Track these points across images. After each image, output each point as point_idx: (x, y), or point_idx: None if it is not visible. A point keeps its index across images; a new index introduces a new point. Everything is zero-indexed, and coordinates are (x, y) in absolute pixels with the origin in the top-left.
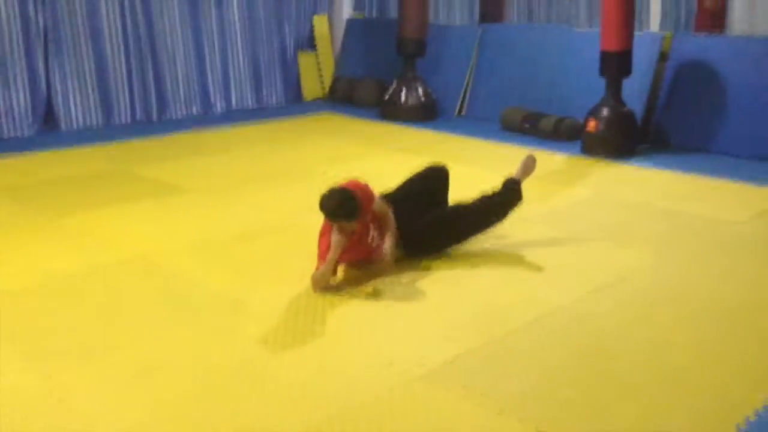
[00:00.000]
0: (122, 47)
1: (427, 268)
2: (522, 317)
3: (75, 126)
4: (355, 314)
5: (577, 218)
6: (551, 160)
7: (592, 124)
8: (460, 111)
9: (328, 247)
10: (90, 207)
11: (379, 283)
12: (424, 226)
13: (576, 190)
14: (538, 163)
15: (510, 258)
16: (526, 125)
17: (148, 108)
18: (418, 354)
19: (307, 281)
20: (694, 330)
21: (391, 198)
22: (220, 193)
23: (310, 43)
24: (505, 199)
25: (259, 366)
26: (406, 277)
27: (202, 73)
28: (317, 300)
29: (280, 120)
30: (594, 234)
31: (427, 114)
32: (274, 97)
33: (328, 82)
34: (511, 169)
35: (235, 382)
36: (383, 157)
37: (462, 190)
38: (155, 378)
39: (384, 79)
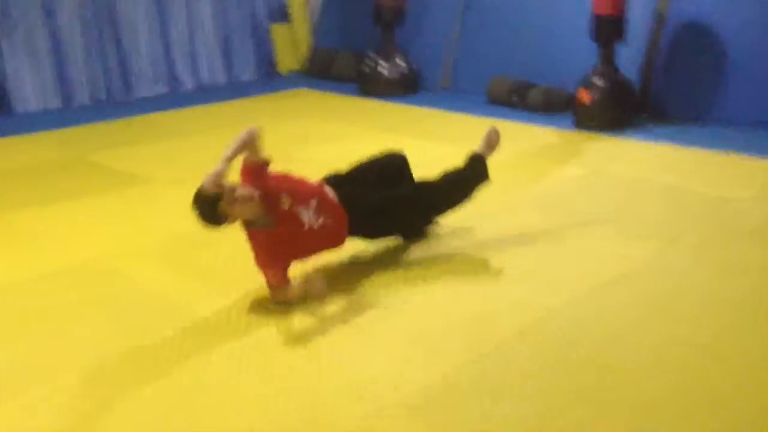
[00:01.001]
0: (79, 22)
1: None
2: (513, 326)
3: (30, 109)
4: (322, 326)
5: (571, 201)
6: (541, 136)
7: (584, 95)
8: (444, 83)
9: (272, 253)
10: (39, 202)
11: (345, 285)
12: (377, 202)
13: (569, 168)
14: (527, 138)
15: (495, 252)
16: (514, 98)
17: (110, 88)
18: (395, 375)
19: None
20: (709, 331)
21: (337, 179)
22: (184, 184)
23: (283, 14)
24: (468, 174)
25: (218, 386)
26: (374, 280)
27: (167, 49)
28: (282, 311)
29: (252, 98)
30: (589, 220)
31: (408, 87)
32: (246, 72)
33: (304, 54)
34: (500, 149)
35: (191, 403)
36: (361, 137)
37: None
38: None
39: (363, 51)
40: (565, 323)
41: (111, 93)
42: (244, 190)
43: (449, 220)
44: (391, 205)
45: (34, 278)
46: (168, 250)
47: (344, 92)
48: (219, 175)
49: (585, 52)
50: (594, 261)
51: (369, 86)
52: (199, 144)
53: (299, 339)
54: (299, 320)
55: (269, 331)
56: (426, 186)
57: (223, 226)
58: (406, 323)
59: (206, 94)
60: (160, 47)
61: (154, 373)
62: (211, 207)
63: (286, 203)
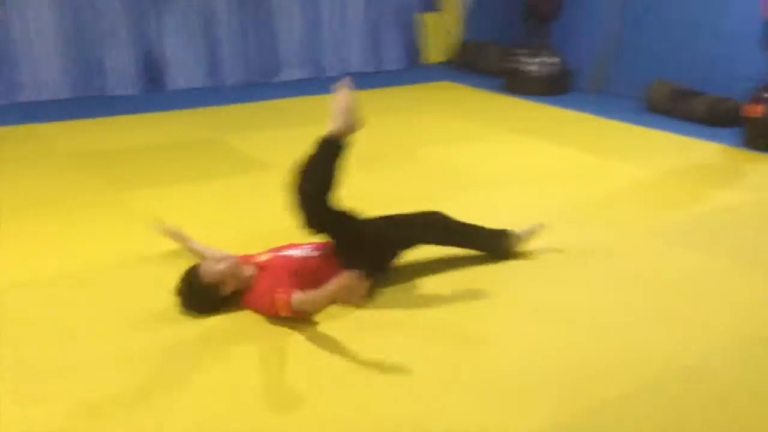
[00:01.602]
0: (233, 5)
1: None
2: (628, 380)
3: (180, 86)
4: (407, 360)
5: (731, 233)
6: (702, 151)
7: (758, 109)
8: (597, 85)
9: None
10: (160, 183)
11: (427, 311)
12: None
13: (732, 192)
14: (684, 153)
15: (612, 285)
16: (675, 106)
17: (258, 70)
18: (497, 427)
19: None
20: None
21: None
22: None
23: (433, 3)
24: (491, 236)
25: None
26: (460, 307)
27: (316, 35)
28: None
29: (394, 88)
30: (754, 258)
31: (557, 87)
32: (392, 61)
33: (452, 46)
34: (651, 167)
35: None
36: (497, 139)
37: (594, 184)
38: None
39: (513, 45)
40: (697, 380)
41: (258, 74)
42: (224, 263)
43: (576, 242)
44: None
45: (131, 262)
46: (265, 242)
47: (489, 88)
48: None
49: (759, 60)
50: (751, 309)
51: (515, 83)
52: None
53: (394, 372)
54: (381, 348)
55: (356, 361)
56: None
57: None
58: (481, 369)
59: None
60: (309, 33)
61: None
62: (211, 295)
63: (266, 256)
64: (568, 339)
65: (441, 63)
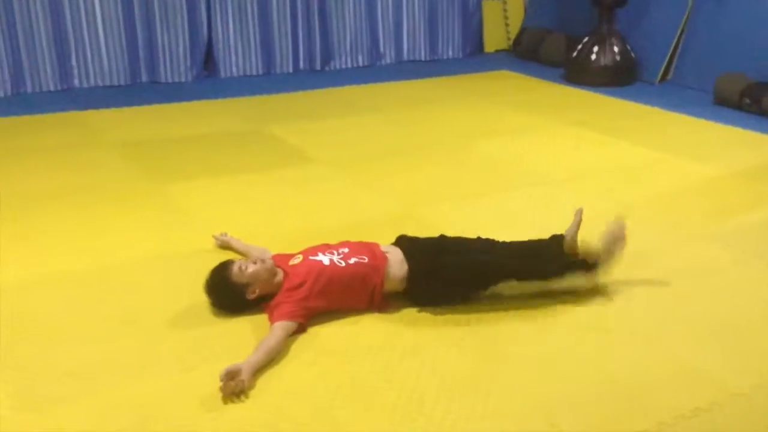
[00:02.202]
0: None
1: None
2: (682, 402)
3: (234, 73)
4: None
5: None
6: None
7: None
8: (664, 76)
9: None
10: (201, 174)
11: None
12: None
13: None
14: (757, 152)
15: (663, 297)
16: (747, 100)
17: (312, 57)
18: None
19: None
20: None
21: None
22: (344, 168)
23: None
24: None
25: None
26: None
27: (372, 21)
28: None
29: (450, 77)
30: None
31: (621, 78)
32: (450, 49)
33: (514, 33)
34: (718, 165)
35: None
36: (554, 132)
37: (655, 182)
38: None
39: (577, 33)
40: (748, 409)
41: (311, 62)
42: (258, 265)
43: (628, 246)
44: (449, 270)
45: (166, 256)
46: (301, 240)
47: (550, 78)
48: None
49: None
50: None
51: (577, 73)
52: (378, 123)
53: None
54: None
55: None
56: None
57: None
58: (549, 381)
59: (406, 69)
60: (365, 20)
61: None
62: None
63: (298, 258)
64: (615, 354)
65: (501, 51)
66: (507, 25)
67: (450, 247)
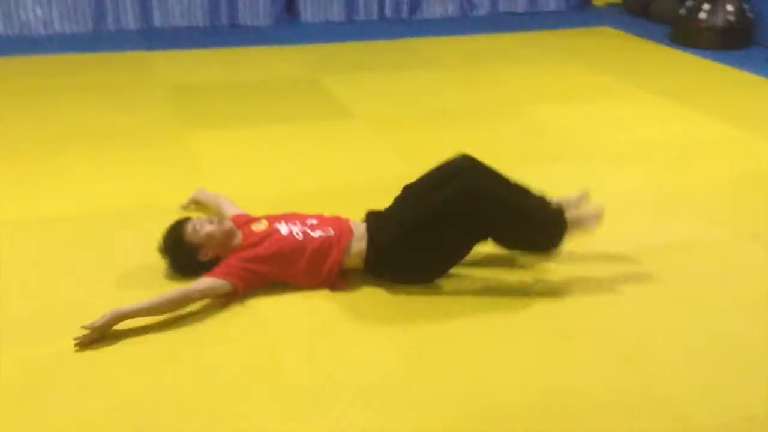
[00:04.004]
0: None
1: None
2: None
3: (314, 18)
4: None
5: None
6: None
7: None
8: None
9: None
10: (233, 124)
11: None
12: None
13: None
14: None
15: (658, 308)
16: None
17: (398, 4)
18: None
19: None
20: None
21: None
22: (381, 126)
23: None
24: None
25: None
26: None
27: None
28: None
29: (543, 31)
30: None
31: (734, 41)
32: (551, 2)
33: None
34: None
35: None
36: (630, 100)
37: (735, 166)
38: None
39: None
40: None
41: (398, 10)
42: (213, 226)
43: (674, 238)
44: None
45: (155, 206)
46: (312, 200)
47: (655, 38)
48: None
49: None
50: None
51: (684, 34)
52: (451, 78)
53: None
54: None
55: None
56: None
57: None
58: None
59: (498, 22)
60: None
61: None
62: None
63: (262, 224)
64: (566, 367)
65: (612, 6)
66: None
67: (418, 226)
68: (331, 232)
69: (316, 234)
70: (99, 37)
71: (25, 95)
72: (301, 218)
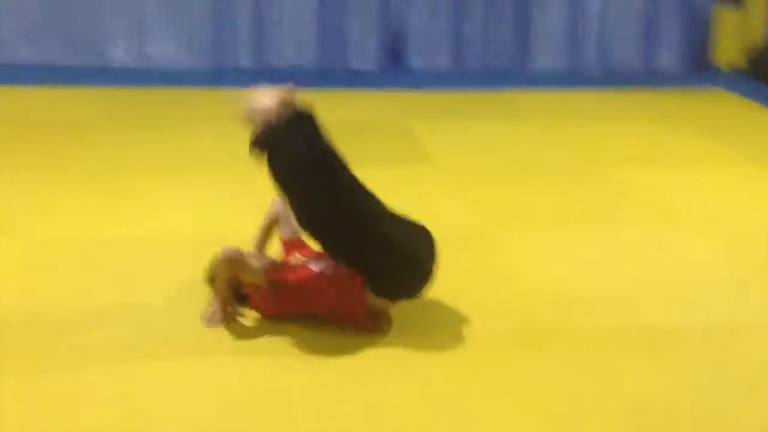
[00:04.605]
0: None
1: None
2: None
3: (421, 65)
4: None
5: None
6: None
7: None
8: None
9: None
10: None
11: None
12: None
13: None
14: None
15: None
16: None
17: (503, 55)
18: None
19: None
20: None
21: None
22: (455, 173)
23: None
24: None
25: None
26: None
27: (578, 24)
28: None
29: (654, 91)
30: None
31: None
32: (666, 60)
33: (752, 49)
34: None
35: None
36: (724, 168)
37: None
38: None
39: None
40: None
41: (503, 61)
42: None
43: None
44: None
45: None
46: None
47: None
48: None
49: None
50: None
51: None
52: (540, 130)
53: None
54: None
55: None
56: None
57: None
58: None
59: (607, 77)
60: (567, 20)
61: None
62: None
63: (298, 258)
64: None
65: (733, 69)
66: (743, 38)
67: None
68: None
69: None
70: (216, 73)
71: (142, 124)
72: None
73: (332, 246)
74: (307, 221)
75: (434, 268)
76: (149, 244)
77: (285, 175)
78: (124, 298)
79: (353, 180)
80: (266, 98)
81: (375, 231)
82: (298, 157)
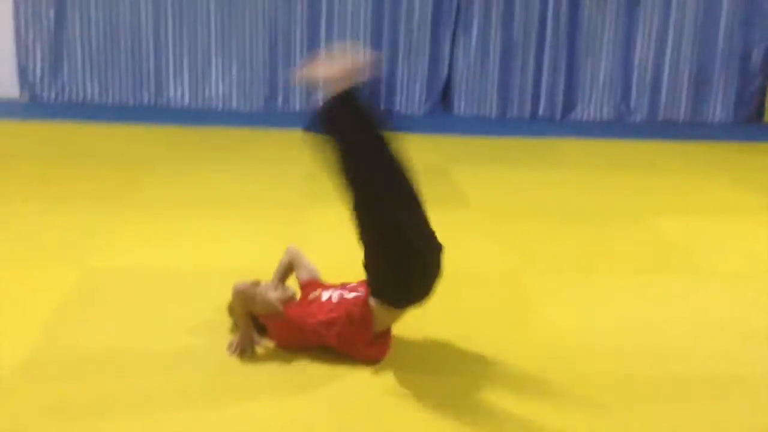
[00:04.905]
0: (535, 35)
1: None
2: None
3: (468, 112)
4: None
5: None
6: None
7: None
8: None
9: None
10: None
11: None
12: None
13: None
14: None
15: None
16: None
17: (552, 105)
18: None
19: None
20: None
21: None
22: (492, 219)
23: None
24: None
25: None
26: None
27: (625, 73)
28: None
29: (703, 143)
30: None
31: None
32: (717, 112)
33: None
34: None
35: None
36: (764, 221)
37: None
38: None
39: None
40: None
41: (551, 111)
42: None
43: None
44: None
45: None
46: None
47: None
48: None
49: None
50: None
51: None
52: (584, 180)
53: None
54: None
55: None
56: None
57: None
58: None
59: (656, 129)
60: (618, 71)
61: None
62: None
63: (316, 293)
64: None
65: None
66: None
67: None
68: (361, 291)
69: (351, 295)
70: (269, 115)
71: (195, 161)
72: (348, 285)
73: (360, 238)
74: (351, 207)
75: (438, 273)
76: (194, 274)
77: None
78: (165, 331)
79: (395, 179)
80: (328, 67)
81: (400, 238)
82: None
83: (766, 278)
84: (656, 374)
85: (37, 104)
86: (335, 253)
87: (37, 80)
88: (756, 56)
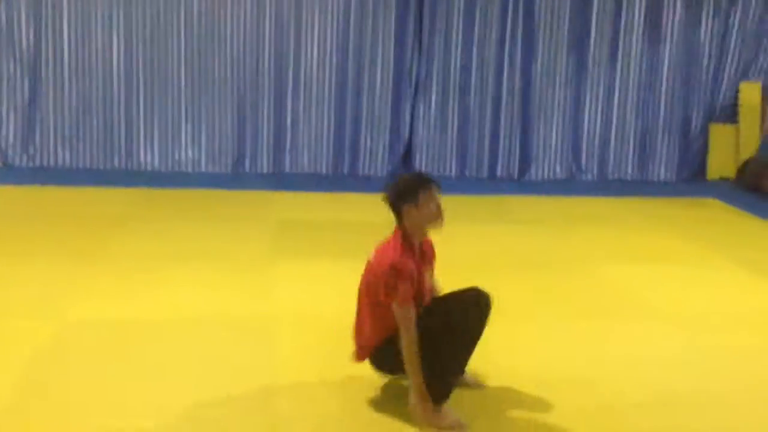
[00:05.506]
0: (490, 103)
1: None
2: None
3: (429, 171)
4: None
5: None
6: None
7: None
8: None
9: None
10: (314, 256)
11: None
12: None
13: None
14: None
15: None
16: None
17: (509, 166)
18: None
19: None
20: None
21: None
22: (441, 267)
23: (729, 114)
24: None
25: None
26: None
27: (576, 136)
28: None
29: (649, 199)
30: None
31: None
32: (661, 172)
33: (743, 162)
34: None
35: None
36: (706, 267)
37: None
38: None
39: None
40: None
41: (508, 171)
42: None
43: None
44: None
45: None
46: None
47: (764, 214)
48: None
49: None
50: None
51: None
52: (533, 233)
53: None
54: None
55: None
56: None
57: None
58: None
59: (606, 187)
60: (569, 133)
61: None
62: None
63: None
64: None
65: (724, 180)
66: (736, 152)
67: None
68: None
69: None
70: (237, 178)
71: (165, 220)
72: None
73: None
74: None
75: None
76: (165, 324)
77: None
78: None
79: None
80: None
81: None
82: None
83: (702, 319)
84: (587, 404)
85: (10, 169)
86: (299, 302)
87: (9, 147)
88: (696, 119)
